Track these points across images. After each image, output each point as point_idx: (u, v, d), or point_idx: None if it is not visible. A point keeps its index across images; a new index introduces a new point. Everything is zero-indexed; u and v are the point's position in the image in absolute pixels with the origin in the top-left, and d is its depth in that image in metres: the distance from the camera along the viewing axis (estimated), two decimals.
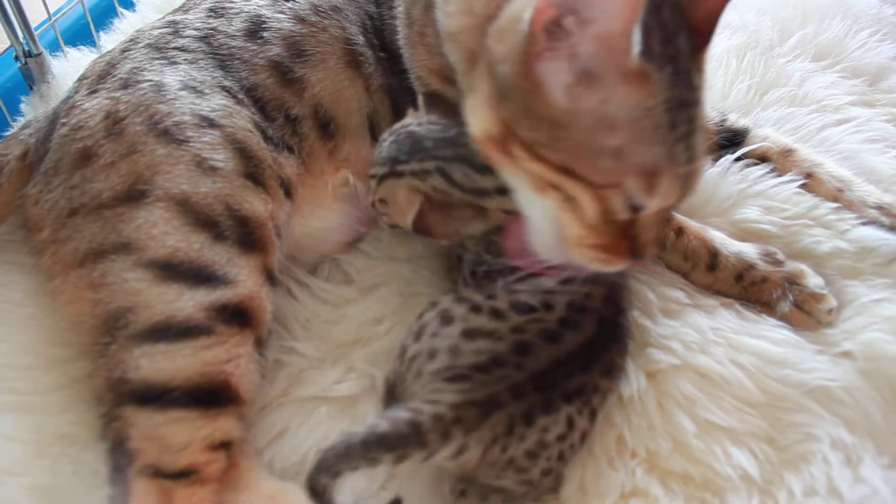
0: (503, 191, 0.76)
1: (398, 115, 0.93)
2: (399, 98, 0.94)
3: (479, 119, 0.71)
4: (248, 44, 0.90)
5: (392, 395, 0.76)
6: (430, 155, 0.81)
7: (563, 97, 0.64)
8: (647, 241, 0.71)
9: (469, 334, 0.73)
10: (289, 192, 0.87)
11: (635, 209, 0.68)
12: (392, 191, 0.83)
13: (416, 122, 0.85)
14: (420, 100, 0.89)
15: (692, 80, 0.67)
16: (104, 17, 1.31)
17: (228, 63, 0.88)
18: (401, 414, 0.67)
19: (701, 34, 0.68)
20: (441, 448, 0.67)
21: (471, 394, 0.68)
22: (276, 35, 0.90)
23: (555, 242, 0.72)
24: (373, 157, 0.86)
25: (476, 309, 0.75)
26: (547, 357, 0.71)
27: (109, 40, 1.26)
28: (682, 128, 0.65)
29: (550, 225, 0.71)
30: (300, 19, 0.92)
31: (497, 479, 0.71)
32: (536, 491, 0.74)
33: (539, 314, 0.74)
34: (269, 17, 0.92)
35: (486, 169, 0.75)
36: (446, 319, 0.75)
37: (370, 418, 0.76)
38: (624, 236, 0.70)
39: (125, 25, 1.28)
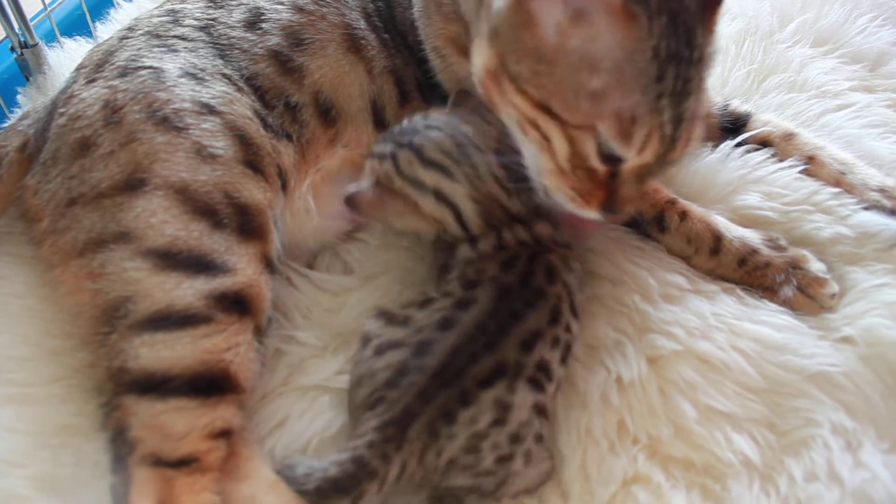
0: (441, 196, 0.78)
1: (405, 96, 0.93)
2: (405, 79, 0.94)
3: (479, 56, 0.74)
4: (248, 34, 0.90)
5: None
6: (392, 139, 0.82)
7: (552, 34, 0.65)
8: (625, 197, 0.72)
9: (379, 350, 0.74)
10: (285, 182, 0.87)
11: (611, 160, 0.69)
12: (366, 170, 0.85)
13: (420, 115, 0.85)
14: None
15: (694, 39, 0.66)
16: (100, 7, 1.31)
17: (228, 53, 0.89)
18: (342, 455, 0.69)
19: None
20: (388, 470, 0.68)
21: (388, 413, 0.70)
22: (274, 25, 0.91)
23: (538, 179, 0.75)
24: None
25: (391, 320, 0.76)
26: (442, 349, 0.72)
27: (106, 31, 1.25)
28: (669, 82, 0.65)
29: (533, 162, 0.75)
30: (298, 9, 0.92)
31: (452, 481, 0.71)
32: (506, 476, 0.72)
33: (438, 303, 0.76)
34: (267, 9, 0.92)
35: (432, 164, 0.78)
36: (365, 341, 0.76)
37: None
38: (603, 187, 0.72)
39: (122, 15, 1.28)
